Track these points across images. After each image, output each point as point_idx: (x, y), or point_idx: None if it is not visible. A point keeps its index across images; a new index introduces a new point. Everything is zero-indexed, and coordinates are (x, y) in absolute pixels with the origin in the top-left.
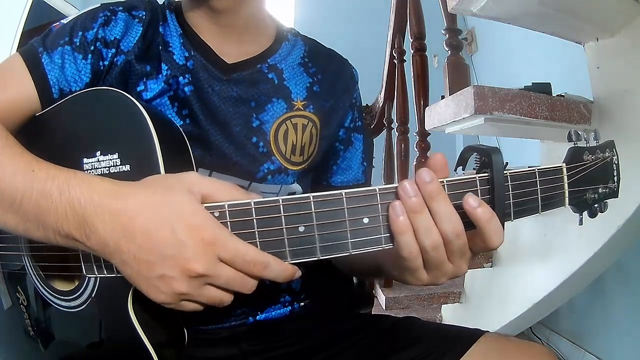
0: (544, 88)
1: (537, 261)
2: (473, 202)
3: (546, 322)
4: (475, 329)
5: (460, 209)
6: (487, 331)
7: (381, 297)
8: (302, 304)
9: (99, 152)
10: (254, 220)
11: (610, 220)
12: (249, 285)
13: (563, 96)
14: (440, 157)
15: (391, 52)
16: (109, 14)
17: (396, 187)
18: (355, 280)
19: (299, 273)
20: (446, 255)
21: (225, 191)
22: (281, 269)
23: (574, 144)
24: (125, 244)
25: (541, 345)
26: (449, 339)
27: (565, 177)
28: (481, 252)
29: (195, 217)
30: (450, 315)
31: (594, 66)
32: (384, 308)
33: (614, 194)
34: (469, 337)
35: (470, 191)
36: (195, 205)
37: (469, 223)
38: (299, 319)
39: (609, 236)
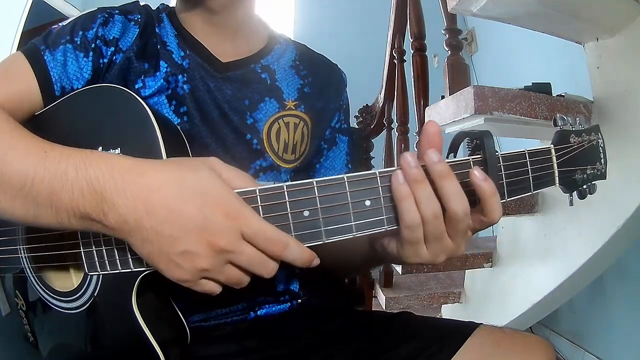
0: (544, 88)
1: (537, 261)
2: (480, 176)
3: (546, 322)
4: (470, 322)
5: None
6: (482, 323)
7: (381, 297)
8: (300, 300)
9: (100, 148)
10: (259, 207)
11: (610, 220)
12: (269, 267)
13: (563, 96)
14: (433, 125)
15: (391, 52)
16: (106, 15)
17: (395, 169)
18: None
19: (317, 261)
20: (448, 232)
21: (242, 179)
22: (300, 252)
23: (560, 127)
24: (147, 221)
25: (537, 336)
26: (444, 332)
27: (554, 158)
28: (480, 228)
29: (219, 193)
30: (450, 315)
31: (594, 66)
32: (384, 308)
33: (602, 175)
34: (464, 330)
35: (465, 172)
36: (219, 182)
37: (470, 202)
38: (299, 315)
39: (609, 236)
